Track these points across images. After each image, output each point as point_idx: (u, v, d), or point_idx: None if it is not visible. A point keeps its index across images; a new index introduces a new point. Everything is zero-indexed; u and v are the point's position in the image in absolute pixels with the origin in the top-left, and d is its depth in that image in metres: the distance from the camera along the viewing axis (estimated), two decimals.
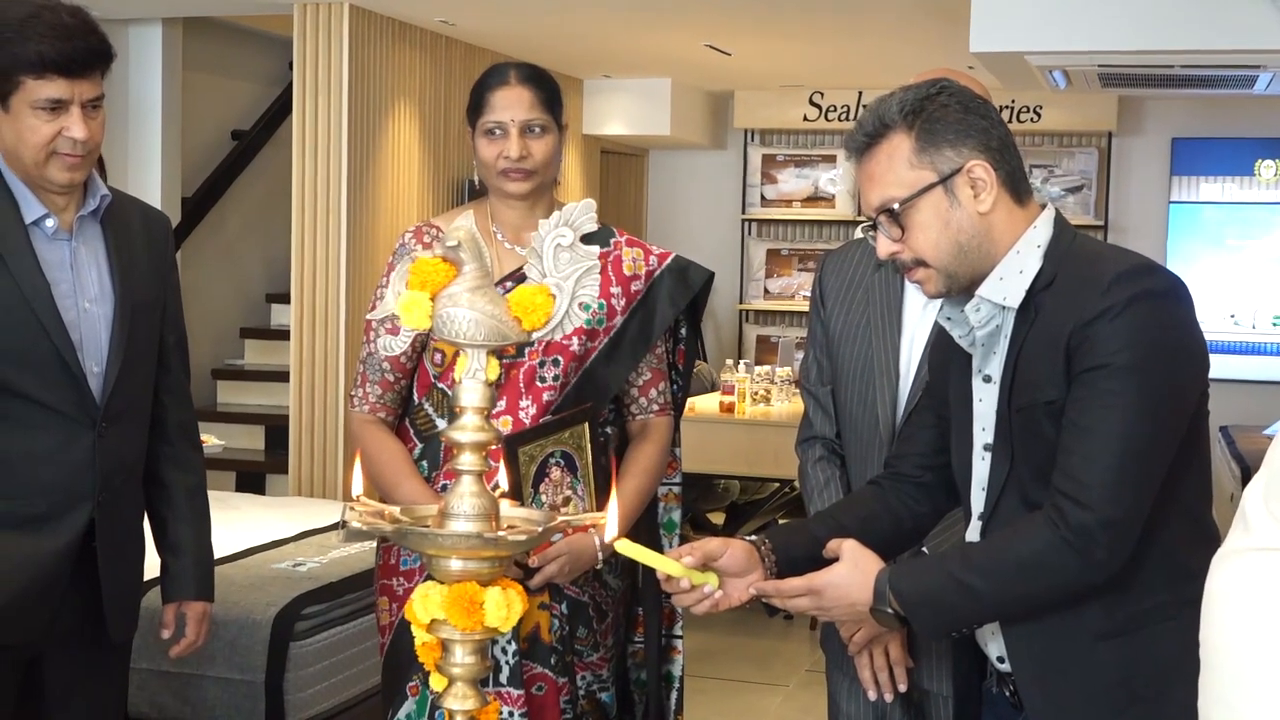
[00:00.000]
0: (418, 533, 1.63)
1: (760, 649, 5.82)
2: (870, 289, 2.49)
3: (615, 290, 2.62)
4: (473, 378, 1.65)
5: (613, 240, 2.66)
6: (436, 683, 1.68)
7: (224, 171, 7.58)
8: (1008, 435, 1.90)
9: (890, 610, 1.88)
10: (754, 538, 2.06)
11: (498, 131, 2.56)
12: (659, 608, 2.73)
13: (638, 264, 2.65)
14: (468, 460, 1.64)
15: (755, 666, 5.58)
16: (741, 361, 7.15)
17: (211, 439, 4.87)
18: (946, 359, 2.05)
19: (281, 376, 6.88)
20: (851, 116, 9.00)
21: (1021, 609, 1.88)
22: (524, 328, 1.67)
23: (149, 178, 6.79)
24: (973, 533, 1.99)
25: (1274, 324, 8.50)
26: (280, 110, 7.59)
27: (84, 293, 2.45)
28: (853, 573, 1.91)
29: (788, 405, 6.58)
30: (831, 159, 9.24)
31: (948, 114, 1.88)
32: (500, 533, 1.64)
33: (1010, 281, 1.88)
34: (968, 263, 1.89)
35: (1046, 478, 1.84)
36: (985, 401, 1.95)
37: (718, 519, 6.77)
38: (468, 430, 1.64)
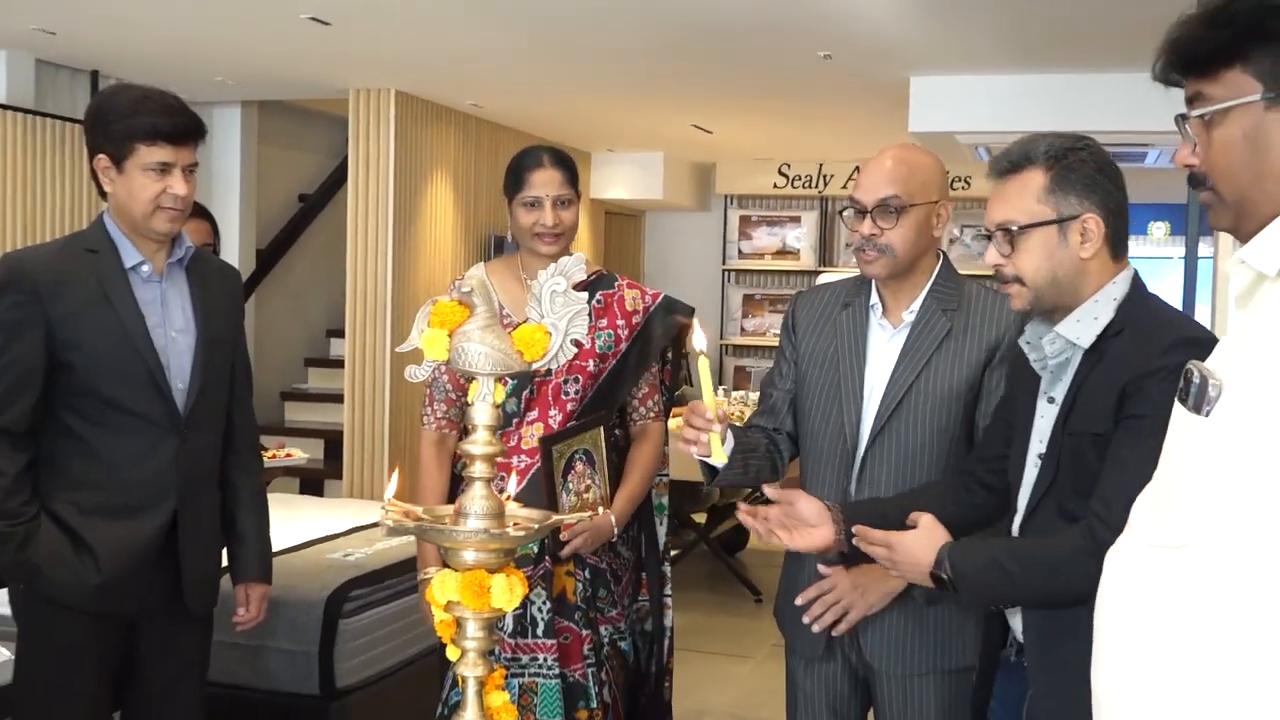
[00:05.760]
0: (437, 529, 1.63)
1: (734, 626, 5.79)
2: (838, 323, 2.37)
3: (620, 323, 2.70)
4: (483, 400, 1.65)
5: (616, 283, 2.75)
6: (452, 653, 1.67)
7: (291, 228, 7.62)
8: (1057, 451, 1.86)
9: (945, 576, 1.86)
10: (825, 502, 2.10)
11: (535, 204, 2.63)
12: (659, 574, 2.81)
13: (637, 302, 2.74)
14: (479, 469, 1.65)
15: (730, 641, 5.56)
16: (721, 387, 7.14)
17: (297, 452, 4.83)
18: (1020, 379, 2.01)
19: (338, 399, 6.87)
20: (814, 184, 9.03)
21: (1043, 597, 1.83)
22: (525, 359, 1.68)
23: (229, 234, 6.80)
24: (1015, 528, 1.95)
25: None
26: (338, 178, 7.60)
27: (171, 324, 2.48)
28: (924, 539, 1.90)
29: None
30: (797, 219, 9.24)
31: (1084, 168, 1.84)
32: (506, 529, 1.64)
33: (1085, 325, 1.85)
34: (1057, 293, 1.85)
35: (1082, 493, 1.80)
36: (1045, 419, 1.91)
37: (700, 518, 6.75)
38: (479, 444, 1.65)
